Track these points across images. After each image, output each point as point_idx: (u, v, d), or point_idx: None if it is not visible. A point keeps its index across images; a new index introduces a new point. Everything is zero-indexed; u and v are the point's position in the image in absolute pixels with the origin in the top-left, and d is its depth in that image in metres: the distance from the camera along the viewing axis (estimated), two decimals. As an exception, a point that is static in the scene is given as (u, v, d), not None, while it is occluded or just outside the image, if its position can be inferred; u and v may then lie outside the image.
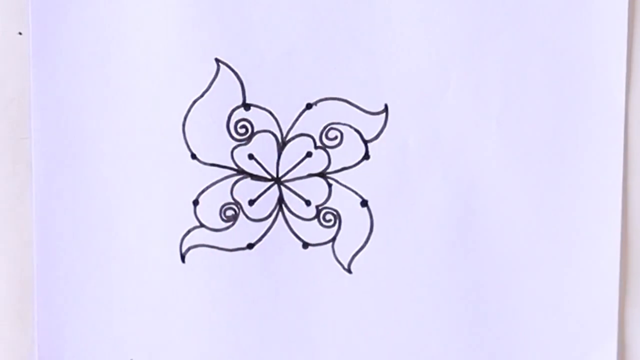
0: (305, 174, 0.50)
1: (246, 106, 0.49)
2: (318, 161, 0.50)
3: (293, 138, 0.50)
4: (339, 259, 0.50)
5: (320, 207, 0.50)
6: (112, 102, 0.49)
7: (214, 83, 0.49)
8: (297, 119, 0.49)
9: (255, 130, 0.49)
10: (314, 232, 0.50)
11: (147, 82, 0.49)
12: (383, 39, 0.49)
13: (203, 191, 0.50)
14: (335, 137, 0.50)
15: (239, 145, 0.50)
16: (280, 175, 0.50)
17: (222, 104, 0.49)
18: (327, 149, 0.50)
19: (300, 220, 0.50)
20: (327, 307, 0.50)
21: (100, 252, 0.50)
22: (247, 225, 0.50)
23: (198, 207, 0.50)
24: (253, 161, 0.50)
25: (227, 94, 0.49)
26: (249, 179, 0.50)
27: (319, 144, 0.50)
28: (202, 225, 0.50)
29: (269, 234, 0.50)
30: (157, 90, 0.49)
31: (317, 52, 0.49)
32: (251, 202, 0.50)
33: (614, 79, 0.49)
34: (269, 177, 0.50)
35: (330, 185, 0.50)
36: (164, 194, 0.50)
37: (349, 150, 0.50)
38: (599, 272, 0.50)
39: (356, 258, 0.50)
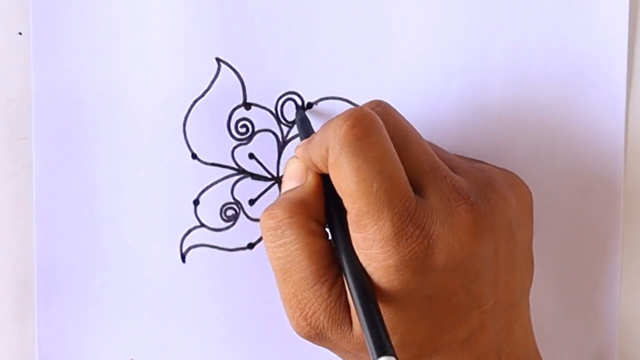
0: (306, 173, 0.50)
1: (247, 105, 0.49)
2: (318, 161, 0.50)
3: (294, 137, 0.50)
4: (340, 258, 0.50)
5: (320, 207, 0.50)
6: (112, 101, 0.49)
7: (215, 82, 0.49)
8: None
9: (255, 129, 0.49)
10: (315, 231, 0.50)
11: (147, 81, 0.49)
12: (383, 39, 0.49)
13: (203, 191, 0.50)
14: (336, 137, 0.50)
15: (239, 145, 0.49)
16: (280, 174, 0.50)
17: (222, 103, 0.49)
18: (328, 149, 0.50)
19: (300, 220, 0.50)
20: (327, 306, 0.50)
21: (101, 251, 0.50)
22: (247, 225, 0.50)
23: (198, 207, 0.50)
24: (254, 161, 0.50)
25: (227, 93, 0.49)
26: (249, 179, 0.50)
27: (319, 143, 0.50)
28: (202, 225, 0.50)
29: (269, 233, 0.50)
30: (157, 89, 0.49)
31: (317, 52, 0.49)
32: (252, 202, 0.50)
33: (615, 78, 0.49)
34: (269, 176, 0.50)
35: (330, 185, 0.50)
36: (164, 193, 0.50)
37: (349, 150, 0.50)
38: (600, 271, 0.50)
39: (356, 258, 0.50)
